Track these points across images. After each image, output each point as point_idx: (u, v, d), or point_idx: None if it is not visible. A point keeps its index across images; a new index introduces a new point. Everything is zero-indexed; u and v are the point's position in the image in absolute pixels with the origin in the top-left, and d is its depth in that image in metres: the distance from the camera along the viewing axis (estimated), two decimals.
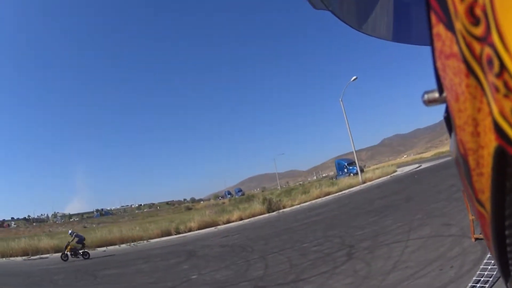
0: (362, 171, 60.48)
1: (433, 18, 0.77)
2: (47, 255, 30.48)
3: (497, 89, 0.59)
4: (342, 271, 10.87)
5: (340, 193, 43.54)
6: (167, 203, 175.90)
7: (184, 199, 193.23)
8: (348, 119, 52.82)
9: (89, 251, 27.61)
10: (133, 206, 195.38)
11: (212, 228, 32.41)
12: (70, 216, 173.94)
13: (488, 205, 0.72)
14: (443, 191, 22.45)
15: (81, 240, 26.87)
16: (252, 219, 34.34)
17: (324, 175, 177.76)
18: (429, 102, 0.90)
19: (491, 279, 7.17)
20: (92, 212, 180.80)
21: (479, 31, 0.63)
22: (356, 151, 56.94)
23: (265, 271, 12.73)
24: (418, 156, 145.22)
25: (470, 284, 7.27)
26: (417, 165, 65.02)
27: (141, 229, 34.81)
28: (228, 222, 34.38)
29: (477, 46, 0.64)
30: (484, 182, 0.70)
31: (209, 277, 13.53)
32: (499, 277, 7.23)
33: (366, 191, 39.66)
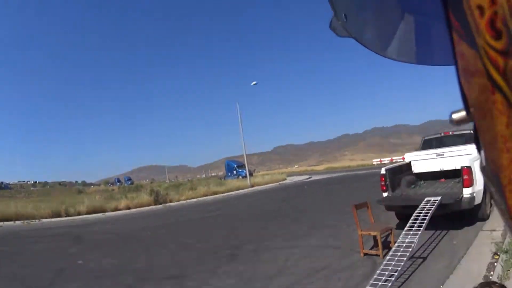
0: (251, 174, 60.66)
1: (455, 37, 0.78)
2: None
3: None
4: (225, 271, 11.04)
5: (227, 193, 43.76)
6: (60, 183, 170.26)
7: (76, 181, 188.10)
8: (244, 123, 52.76)
9: None
10: (29, 182, 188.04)
11: (100, 214, 31.98)
12: None
13: None
14: (332, 204, 23.25)
15: None
16: (139, 209, 34.20)
17: (213, 174, 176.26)
18: (457, 122, 0.88)
19: None
20: None
21: (501, 44, 0.63)
22: (247, 155, 57.23)
23: (148, 263, 12.89)
24: (309, 168, 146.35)
25: None
26: (307, 176, 65.02)
27: (34, 207, 33.43)
28: (116, 209, 34.11)
29: (500, 60, 0.63)
30: None
31: (95, 263, 13.48)
32: None
33: (253, 195, 40.09)
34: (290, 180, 59.98)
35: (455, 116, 0.87)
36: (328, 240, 13.35)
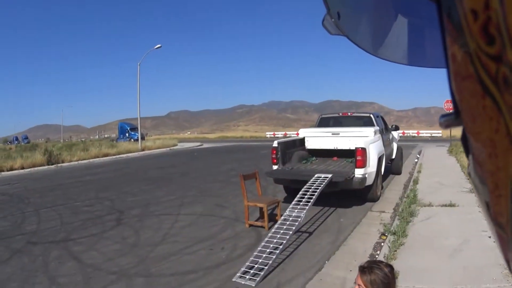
0: (143, 138, 59.72)
1: (448, 39, 0.77)
2: None
3: None
4: (111, 236, 10.96)
5: (118, 156, 43.47)
6: None
7: None
8: (141, 86, 52.00)
9: None
10: None
11: None
12: None
13: (508, 228, 0.71)
14: (220, 173, 23.40)
15: None
16: (32, 169, 33.01)
17: (106, 135, 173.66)
18: (447, 126, 0.87)
19: (266, 267, 7.41)
20: None
21: (494, 50, 0.62)
22: (141, 118, 56.55)
23: (38, 226, 12.45)
24: (201, 135, 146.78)
25: (243, 269, 7.46)
26: (199, 143, 65.20)
27: None
28: (11, 169, 32.65)
29: (492, 66, 0.63)
30: (503, 204, 0.69)
31: None
32: (275, 267, 7.74)
33: (143, 158, 40.07)
34: (181, 146, 59.82)
35: (445, 119, 0.86)
36: (214, 209, 13.45)
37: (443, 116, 0.86)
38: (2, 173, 31.00)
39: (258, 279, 7.05)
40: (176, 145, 61.49)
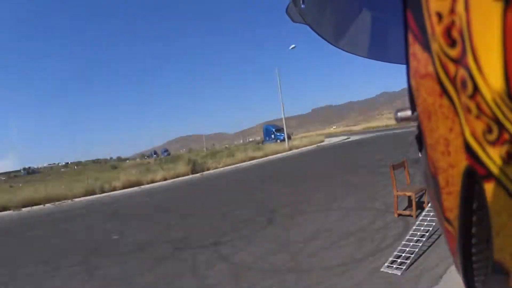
0: (289, 138, 61.11)
1: (410, 38, 0.74)
2: None
3: (469, 110, 0.58)
4: (262, 236, 11.04)
5: (265, 158, 43.95)
6: (94, 161, 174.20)
7: (110, 158, 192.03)
8: (282, 86, 53.05)
9: (15, 212, 27.08)
10: (59, 164, 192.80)
11: (136, 188, 32.07)
12: None
13: (455, 223, 0.70)
14: (368, 164, 22.95)
15: None
16: (176, 179, 34.32)
17: (251, 139, 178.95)
18: (401, 120, 0.85)
19: (412, 255, 7.37)
20: (19, 170, 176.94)
21: (454, 52, 0.60)
22: (285, 118, 57.15)
23: (185, 233, 12.77)
24: (347, 129, 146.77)
25: (390, 259, 7.47)
26: (345, 137, 65.52)
27: (67, 187, 33.84)
28: (152, 182, 34.16)
29: (452, 67, 0.61)
30: (452, 201, 0.68)
31: (131, 237, 13.45)
32: (420, 254, 7.58)
33: (291, 158, 40.04)
34: (328, 141, 60.19)
35: (400, 114, 0.87)
36: (364, 202, 13.29)
37: (399, 110, 0.87)
38: (142, 186, 32.54)
39: (404, 267, 7.08)
40: (323, 141, 61.63)
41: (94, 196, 30.57)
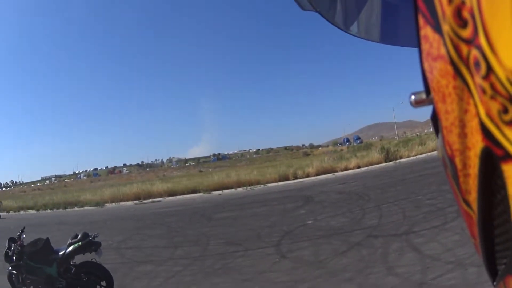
0: None
1: (421, 20, 0.78)
2: (160, 198, 31.42)
3: (483, 91, 0.61)
4: (451, 227, 10.70)
5: None
6: (285, 148, 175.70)
7: (303, 145, 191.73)
8: None
9: (205, 195, 29.04)
10: (251, 150, 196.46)
11: (330, 175, 32.24)
12: (186, 160, 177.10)
13: (474, 206, 0.73)
14: None
15: None
16: (369, 167, 34.08)
17: None
18: (416, 103, 0.89)
19: None
20: (209, 156, 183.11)
21: (466, 33, 0.64)
22: None
23: (379, 221, 12.73)
24: None
25: None
26: None
27: (259, 173, 35.13)
28: (346, 169, 34.16)
29: (464, 48, 0.64)
30: (471, 183, 0.71)
31: (324, 223, 13.64)
32: None
33: None
34: None
35: (415, 97, 0.89)
36: None
37: (414, 93, 0.87)
38: (336, 173, 32.71)
39: None
40: None
41: (287, 182, 31.34)
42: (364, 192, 19.72)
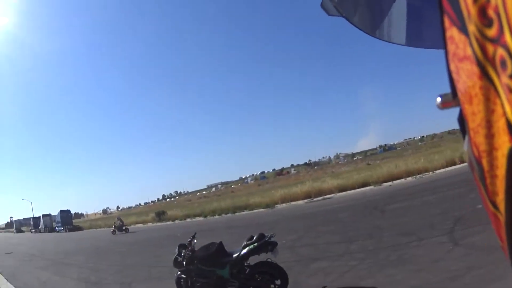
0: None
1: (446, 22, 0.78)
2: (331, 195, 31.39)
3: (510, 90, 0.61)
4: None
5: None
6: (449, 132, 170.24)
7: None
8: None
9: (375, 187, 29.20)
10: (415, 138, 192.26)
11: None
12: (353, 155, 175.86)
13: (502, 207, 0.73)
14: None
15: None
16: None
17: None
18: (443, 105, 0.89)
19: None
20: (375, 148, 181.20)
21: (492, 32, 0.63)
22: None
23: None
24: None
25: None
26: None
27: (426, 160, 34.36)
28: None
29: (490, 48, 0.64)
30: (498, 184, 0.71)
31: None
32: None
33: None
34: None
35: (442, 99, 0.89)
36: None
37: (441, 95, 0.89)
38: None
39: None
40: None
41: (455, 166, 30.57)
42: None
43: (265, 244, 8.10)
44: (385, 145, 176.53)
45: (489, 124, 0.67)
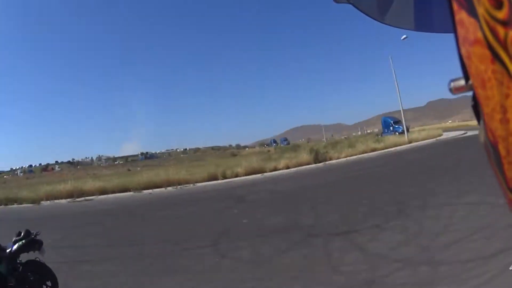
0: (408, 131, 59.53)
1: (455, 5, 0.77)
2: (92, 197, 30.95)
3: None
4: (393, 226, 11.03)
5: (386, 150, 43.63)
6: (212, 148, 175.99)
7: (230, 145, 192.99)
8: (397, 78, 51.99)
9: (136, 193, 29.08)
10: (178, 150, 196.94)
11: (259, 175, 32.55)
12: (115, 159, 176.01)
13: None
14: None
15: None
16: (298, 168, 34.52)
17: (369, 131, 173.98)
18: (456, 90, 0.91)
19: None
20: (137, 155, 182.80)
21: (502, 14, 0.63)
22: (402, 110, 56.28)
23: (316, 220, 12.94)
24: (463, 123, 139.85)
25: None
26: (463, 132, 63.25)
27: (187, 172, 35.03)
28: (275, 169, 34.61)
29: (501, 30, 0.64)
30: None
31: (259, 222, 13.74)
32: None
33: (412, 151, 39.45)
34: (446, 135, 58.30)
35: (454, 84, 0.90)
36: (490, 198, 12.51)
37: (453, 80, 0.89)
38: (265, 174, 33.15)
39: None
40: (442, 134, 60.14)
41: (216, 181, 31.47)
42: (296, 192, 20.11)
43: (31, 242, 7.70)
44: (147, 152, 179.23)
45: (504, 109, 0.67)
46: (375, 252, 9.09)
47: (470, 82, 0.79)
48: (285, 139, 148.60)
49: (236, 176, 32.90)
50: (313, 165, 35.64)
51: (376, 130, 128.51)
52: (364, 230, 11.00)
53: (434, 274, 7.44)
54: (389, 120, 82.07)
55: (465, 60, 0.77)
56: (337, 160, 37.72)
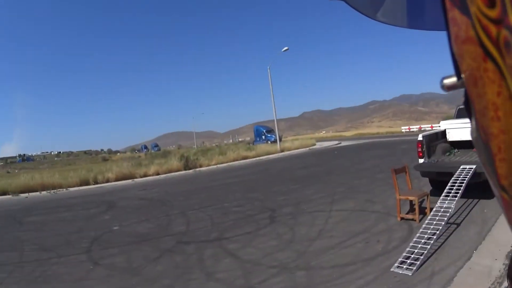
0: (280, 140, 60.79)
1: (448, 3, 0.76)
2: None
3: None
4: (266, 233, 11.14)
5: (257, 158, 44.25)
6: (85, 152, 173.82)
7: (102, 150, 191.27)
8: (273, 89, 52.87)
9: (13, 197, 27.74)
10: (52, 153, 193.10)
11: (129, 181, 32.37)
12: None
13: (511, 191, 0.73)
14: (364, 169, 23.08)
15: None
16: (169, 174, 34.58)
17: (240, 139, 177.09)
18: (448, 88, 0.88)
19: (421, 257, 7.54)
20: (15, 157, 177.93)
21: (495, 13, 0.63)
22: (276, 120, 56.66)
23: (187, 227, 12.87)
24: (337, 134, 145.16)
25: (400, 259, 7.60)
26: (336, 142, 65.20)
27: (61, 176, 33.95)
28: (145, 175, 34.49)
29: (493, 29, 0.64)
30: (507, 168, 0.71)
31: (131, 229, 13.58)
32: (429, 256, 7.77)
33: (284, 159, 40.28)
34: (319, 145, 60.01)
35: (446, 81, 0.87)
36: (364, 205, 13.41)
37: (445, 77, 0.86)
38: (135, 179, 32.95)
39: (414, 268, 7.24)
40: (315, 144, 61.85)
41: (88, 186, 30.92)
42: (166, 198, 19.97)
43: None
44: (24, 155, 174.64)
45: (495, 107, 0.66)
46: (249, 258, 9.08)
47: (462, 79, 0.78)
48: (156, 145, 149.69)
49: (107, 181, 32.42)
50: (183, 172, 35.83)
51: (248, 138, 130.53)
52: (236, 237, 11.07)
53: (311, 278, 7.52)
54: (262, 129, 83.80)
55: (457, 58, 0.77)
56: (207, 167, 38.00)
